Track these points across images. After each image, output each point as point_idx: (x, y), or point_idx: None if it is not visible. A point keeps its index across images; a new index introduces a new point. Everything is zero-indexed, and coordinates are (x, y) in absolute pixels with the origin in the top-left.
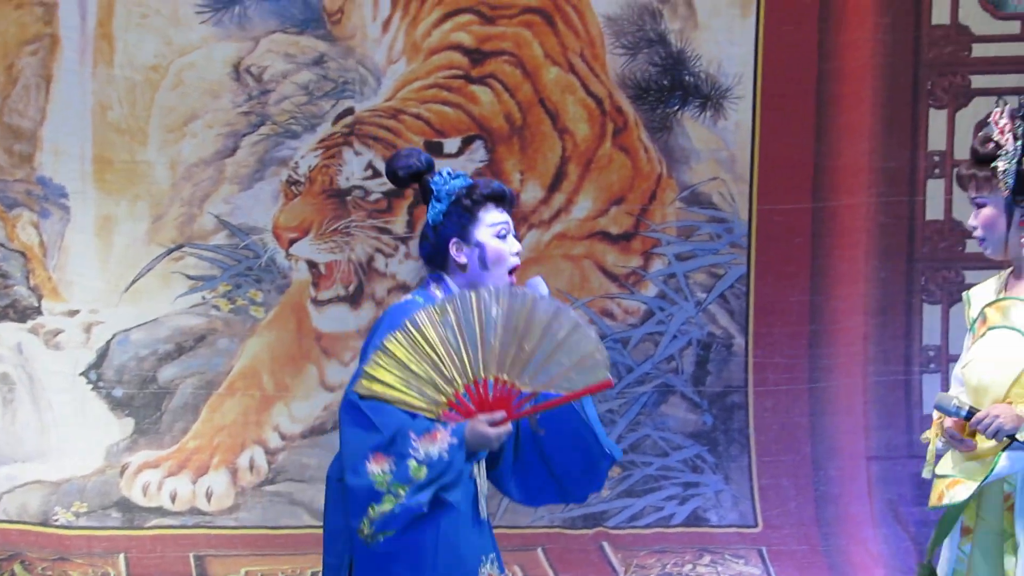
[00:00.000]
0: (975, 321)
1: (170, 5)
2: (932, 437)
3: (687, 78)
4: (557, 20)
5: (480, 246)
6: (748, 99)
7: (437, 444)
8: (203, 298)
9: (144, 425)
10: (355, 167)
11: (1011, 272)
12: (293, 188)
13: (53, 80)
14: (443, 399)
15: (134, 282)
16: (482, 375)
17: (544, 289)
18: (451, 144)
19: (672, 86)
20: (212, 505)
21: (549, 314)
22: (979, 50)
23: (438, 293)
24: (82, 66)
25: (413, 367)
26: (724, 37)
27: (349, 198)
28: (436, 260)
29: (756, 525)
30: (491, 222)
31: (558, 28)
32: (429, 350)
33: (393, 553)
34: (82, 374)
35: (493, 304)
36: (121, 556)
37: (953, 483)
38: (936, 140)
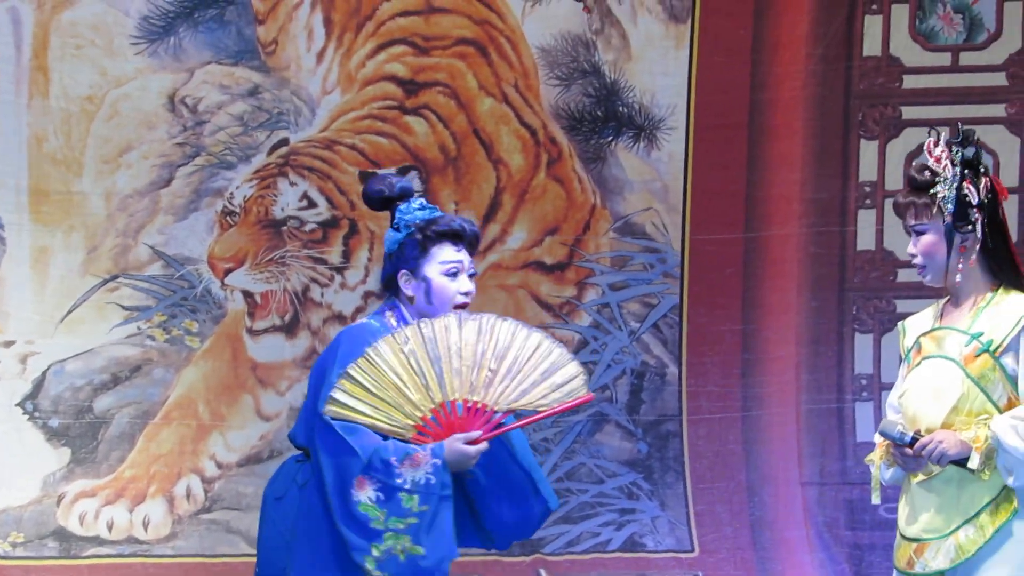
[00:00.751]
0: (910, 350)
1: (105, 36)
2: (876, 460)
3: (621, 109)
4: (491, 51)
5: (427, 280)
6: (681, 130)
7: (421, 468)
8: (138, 328)
9: (81, 455)
10: (290, 197)
11: (947, 301)
12: (228, 219)
13: None
14: (411, 423)
15: (69, 312)
16: (449, 398)
17: None
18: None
19: (606, 117)
20: (149, 534)
21: (512, 334)
22: (910, 81)
23: (392, 321)
24: (17, 97)
25: (378, 393)
26: (658, 68)
27: (284, 228)
28: (390, 287)
29: (693, 550)
30: (442, 259)
31: (492, 59)
32: (392, 376)
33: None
34: (18, 404)
35: (456, 329)
36: None
37: (922, 548)
38: (867, 171)
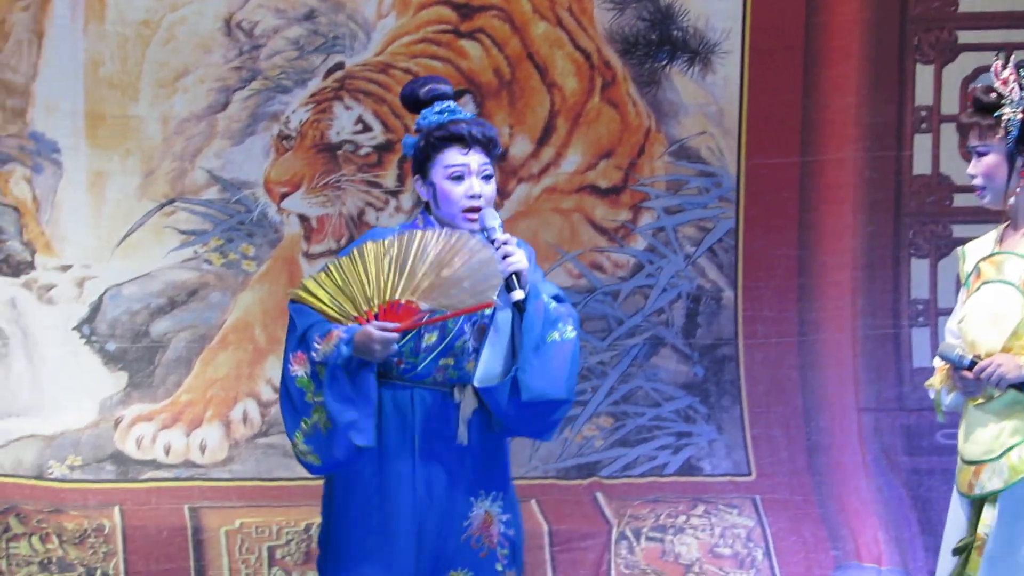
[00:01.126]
0: (969, 275)
1: None
2: (936, 384)
3: (675, 33)
4: None
5: (433, 185)
6: (736, 54)
7: (332, 342)
8: (195, 252)
9: (137, 379)
10: (345, 121)
11: (1007, 226)
12: (284, 143)
13: (45, 36)
14: (354, 314)
15: (126, 237)
16: (395, 297)
17: (492, 220)
18: None
19: (660, 41)
20: (206, 458)
21: (470, 248)
22: (966, 5)
23: (421, 224)
24: (73, 22)
25: (341, 285)
26: None
27: (340, 152)
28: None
29: (750, 473)
30: (447, 163)
31: None
32: (362, 274)
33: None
34: (75, 328)
35: (432, 242)
36: (116, 508)
37: (979, 470)
38: (923, 95)
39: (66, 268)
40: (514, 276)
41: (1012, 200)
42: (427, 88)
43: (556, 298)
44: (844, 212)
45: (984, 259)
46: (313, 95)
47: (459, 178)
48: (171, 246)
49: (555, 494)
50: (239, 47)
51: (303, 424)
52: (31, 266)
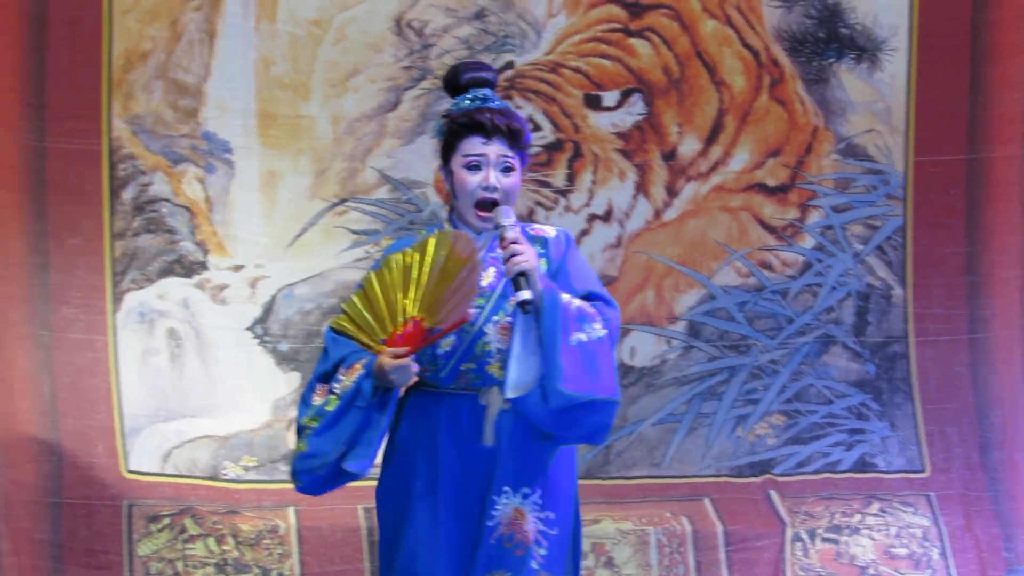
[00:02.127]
0: None
1: None
2: None
3: (843, 30)
4: None
5: (451, 173)
6: (903, 51)
7: (353, 375)
8: (366, 252)
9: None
10: None
11: None
12: None
13: (217, 36)
14: (383, 336)
15: (298, 237)
16: (412, 314)
17: (507, 219)
18: (610, 97)
19: (828, 38)
20: (378, 458)
21: (465, 255)
22: None
23: (446, 226)
24: (245, 21)
25: (374, 305)
26: None
27: None
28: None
29: (924, 470)
30: (465, 152)
31: None
32: (391, 288)
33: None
34: (248, 329)
35: (442, 247)
36: (291, 509)
37: None
38: None
39: (238, 268)
40: (520, 277)
41: None
42: (468, 75)
43: (590, 296)
44: (1012, 209)
45: None
46: None
47: (476, 167)
48: (343, 246)
49: (729, 492)
50: (409, 46)
51: (299, 446)
52: (204, 266)
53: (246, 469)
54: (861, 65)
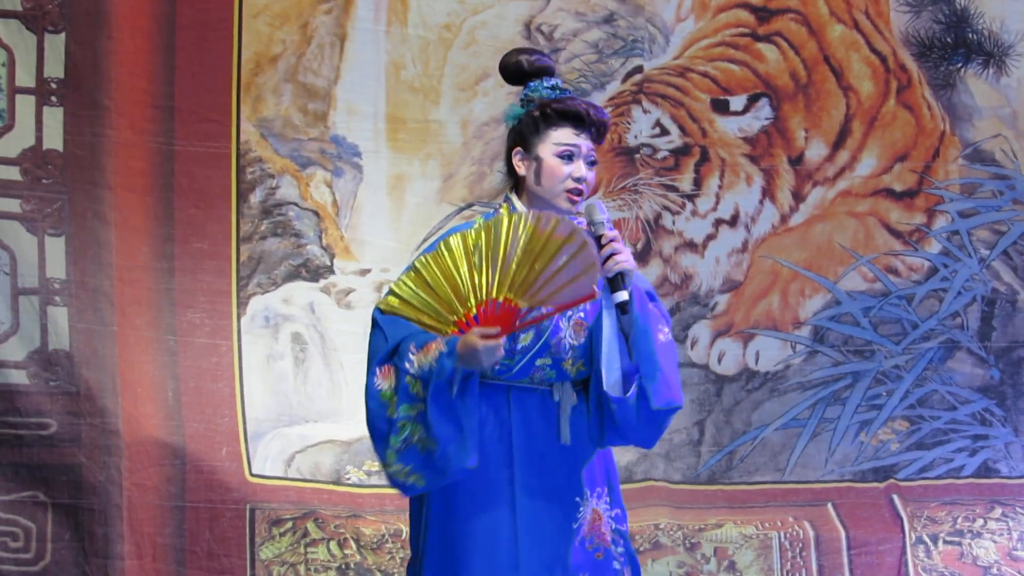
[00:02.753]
0: None
1: None
2: None
3: (970, 35)
4: None
5: (538, 160)
6: None
7: (431, 354)
8: None
9: None
10: (643, 125)
11: None
12: None
13: (347, 39)
14: (453, 318)
15: (425, 240)
16: (492, 296)
17: (600, 215)
18: (737, 102)
19: (955, 43)
20: None
21: (564, 234)
22: None
23: (503, 213)
24: (376, 25)
25: (435, 287)
26: None
27: (637, 156)
28: (508, 170)
29: None
30: (557, 140)
31: None
32: (453, 271)
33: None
34: None
35: (521, 227)
36: None
37: None
38: None
39: (365, 272)
40: (620, 276)
41: None
42: (534, 57)
43: (650, 296)
44: None
45: None
46: (611, 98)
47: (568, 157)
48: None
49: (851, 497)
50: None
51: (392, 442)
52: (330, 270)
53: (368, 474)
54: (988, 70)
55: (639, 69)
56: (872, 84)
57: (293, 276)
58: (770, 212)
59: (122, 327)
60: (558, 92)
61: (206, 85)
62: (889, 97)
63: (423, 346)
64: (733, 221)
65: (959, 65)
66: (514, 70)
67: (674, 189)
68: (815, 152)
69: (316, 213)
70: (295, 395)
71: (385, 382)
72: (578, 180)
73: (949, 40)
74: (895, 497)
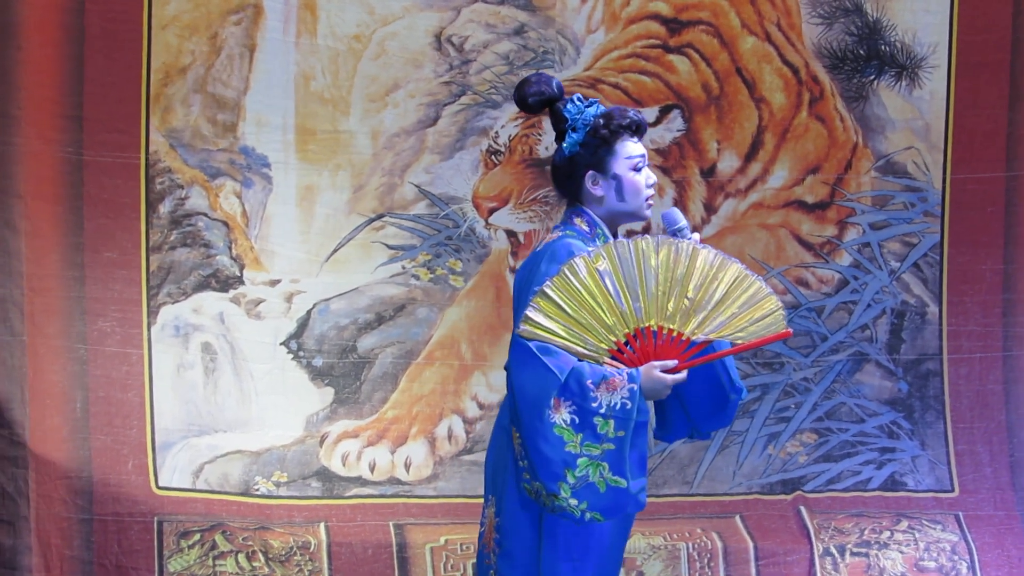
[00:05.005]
0: None
1: None
2: None
3: (883, 47)
4: None
5: (617, 179)
6: (943, 68)
7: (617, 392)
8: (403, 268)
9: (344, 395)
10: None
11: None
12: (493, 158)
13: (256, 50)
14: (605, 347)
15: (335, 252)
16: (644, 323)
17: (682, 220)
18: (649, 113)
19: (868, 55)
20: (411, 475)
21: (712, 264)
22: None
23: (584, 227)
24: (285, 36)
25: (572, 313)
26: (919, 6)
27: (548, 167)
28: (571, 191)
29: (952, 490)
30: (627, 154)
31: None
32: (587, 297)
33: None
34: (283, 343)
35: (652, 253)
36: (322, 525)
37: None
38: None
39: (274, 283)
40: None
41: None
42: (555, 82)
43: None
44: None
45: None
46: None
47: (639, 169)
48: (379, 261)
49: (759, 509)
50: (449, 62)
51: (568, 475)
52: (240, 281)
53: (277, 485)
54: (901, 82)
55: None
56: (784, 96)
57: (203, 286)
58: None
59: (32, 336)
60: (596, 106)
61: (115, 96)
62: (801, 109)
63: (603, 381)
64: (644, 233)
65: (872, 77)
66: (539, 100)
67: None
68: (727, 164)
69: (225, 224)
70: (204, 405)
71: (558, 416)
72: (651, 186)
73: (862, 52)
74: (802, 509)
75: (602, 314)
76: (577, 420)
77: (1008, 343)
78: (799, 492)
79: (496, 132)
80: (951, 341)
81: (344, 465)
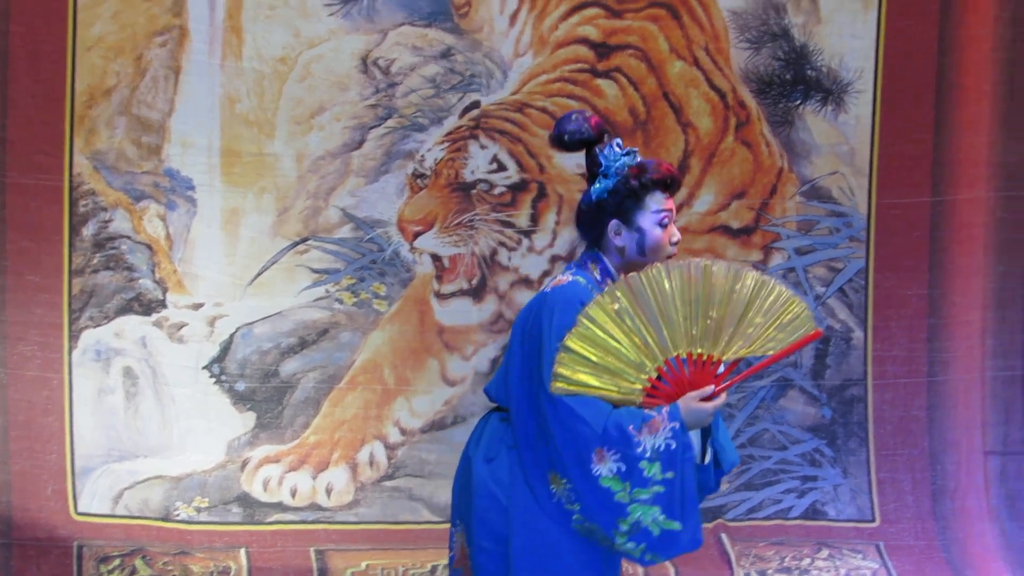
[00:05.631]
0: None
1: None
2: None
3: (809, 72)
4: (683, 14)
5: (641, 232)
6: (869, 93)
7: (660, 433)
8: (327, 291)
9: (266, 419)
10: (480, 161)
11: None
12: (419, 181)
13: (182, 72)
14: (639, 387)
15: (259, 275)
16: (673, 353)
17: None
18: None
19: (795, 80)
20: (332, 501)
21: (727, 277)
22: None
23: (596, 274)
24: (211, 58)
25: (599, 361)
26: (846, 31)
27: (474, 192)
28: (593, 236)
29: (873, 520)
30: (655, 208)
31: (683, 22)
32: (611, 341)
33: (557, 546)
34: (205, 368)
35: (664, 280)
36: (242, 550)
37: None
38: None
39: (197, 306)
40: None
41: None
42: (597, 124)
43: None
44: (975, 252)
45: None
46: (448, 134)
47: (664, 224)
48: (303, 285)
49: None
50: (375, 85)
51: (620, 524)
52: (162, 304)
53: (198, 510)
54: (827, 107)
55: (476, 104)
56: (711, 120)
57: (125, 310)
58: None
59: None
60: (632, 156)
61: (39, 118)
62: (728, 134)
63: (643, 425)
64: (570, 258)
65: (798, 102)
66: (577, 140)
67: (511, 225)
68: None
69: (149, 247)
70: (125, 430)
71: (603, 467)
72: (675, 244)
73: (788, 77)
74: (723, 536)
75: (628, 354)
76: (624, 468)
77: (933, 368)
78: (720, 520)
79: (422, 156)
80: (876, 366)
81: (265, 490)
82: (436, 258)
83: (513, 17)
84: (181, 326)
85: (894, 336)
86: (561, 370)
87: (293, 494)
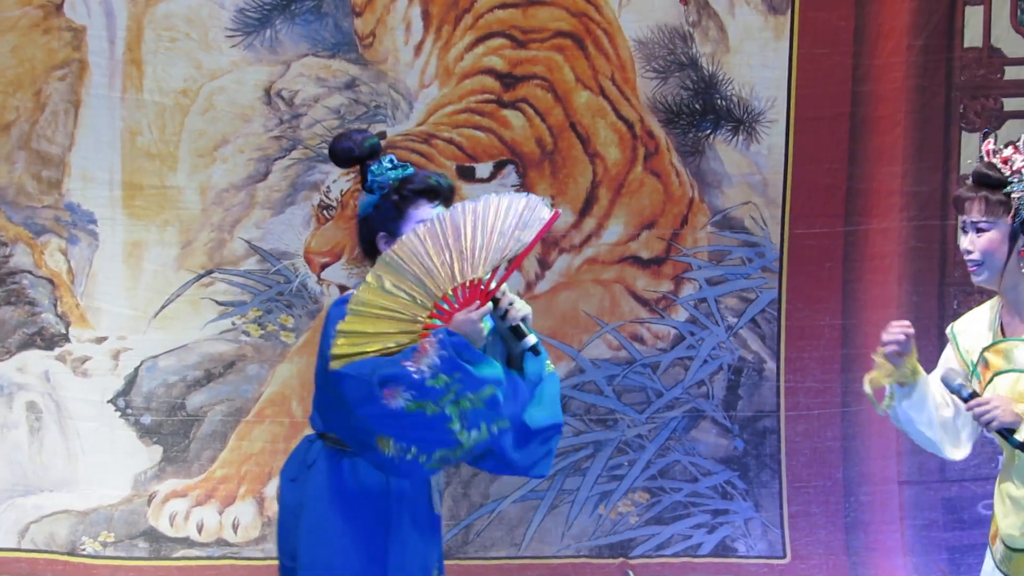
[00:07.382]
0: (976, 365)
1: (200, 29)
2: (883, 380)
3: (719, 102)
4: (588, 44)
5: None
6: (781, 123)
7: (431, 352)
8: (233, 324)
9: (172, 453)
10: None
11: (1002, 309)
12: (325, 212)
13: (82, 105)
14: (416, 335)
15: (163, 308)
16: (440, 294)
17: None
18: (483, 169)
19: (704, 110)
20: (239, 536)
21: (464, 211)
22: (1012, 72)
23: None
24: (111, 91)
25: (373, 331)
26: (757, 61)
27: None
28: (365, 248)
29: (784, 556)
30: (419, 218)
31: (589, 52)
32: (381, 311)
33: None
34: (110, 401)
35: (415, 241)
36: None
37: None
38: (968, 164)
39: (101, 340)
40: (523, 321)
41: (1012, 280)
42: (366, 142)
43: None
44: (889, 281)
45: (988, 349)
46: None
47: None
48: (209, 317)
49: (588, 572)
50: (279, 116)
51: (452, 428)
52: (65, 338)
53: (104, 545)
54: (738, 137)
55: (382, 135)
56: (619, 151)
57: (27, 344)
58: (514, 280)
59: None
60: (400, 170)
61: None
62: (636, 164)
63: (412, 354)
64: None
65: (708, 132)
66: (346, 156)
67: None
68: (561, 219)
69: (51, 281)
70: (30, 464)
71: (400, 400)
72: None
73: (698, 107)
74: (630, 573)
75: (401, 314)
76: (415, 392)
77: (847, 398)
78: (624, 559)
79: (328, 187)
80: (789, 397)
81: (172, 526)
82: (344, 289)
83: (418, 48)
84: (85, 360)
85: (807, 367)
86: (337, 351)
87: (200, 529)
